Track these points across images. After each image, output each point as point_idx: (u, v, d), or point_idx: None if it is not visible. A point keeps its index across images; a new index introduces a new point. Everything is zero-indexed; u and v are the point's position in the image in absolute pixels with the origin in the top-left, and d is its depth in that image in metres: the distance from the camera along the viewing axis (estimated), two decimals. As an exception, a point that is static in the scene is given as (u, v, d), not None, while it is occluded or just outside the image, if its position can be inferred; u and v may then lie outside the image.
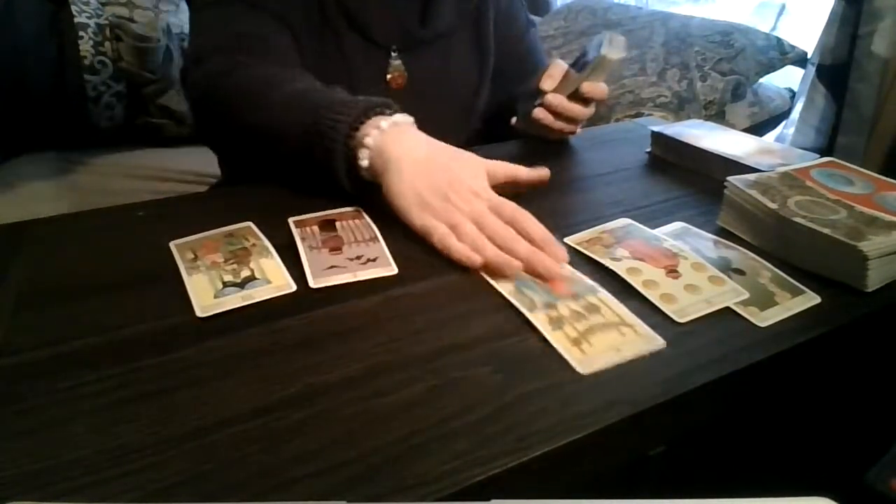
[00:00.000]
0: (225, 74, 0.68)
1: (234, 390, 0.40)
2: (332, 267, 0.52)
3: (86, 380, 0.40)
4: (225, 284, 0.50)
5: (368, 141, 0.57)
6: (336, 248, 0.55)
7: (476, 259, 0.51)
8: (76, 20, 1.29)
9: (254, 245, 0.55)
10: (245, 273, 0.51)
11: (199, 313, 0.47)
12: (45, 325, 0.46)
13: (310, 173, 0.62)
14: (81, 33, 1.30)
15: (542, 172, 0.62)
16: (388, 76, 0.83)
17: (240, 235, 0.57)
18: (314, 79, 0.68)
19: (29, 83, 1.28)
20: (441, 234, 0.53)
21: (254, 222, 0.59)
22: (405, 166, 0.56)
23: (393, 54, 0.83)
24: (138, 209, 0.64)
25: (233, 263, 0.52)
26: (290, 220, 0.59)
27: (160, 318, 0.47)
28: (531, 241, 0.52)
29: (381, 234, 0.57)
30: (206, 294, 0.49)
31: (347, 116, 0.58)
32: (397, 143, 0.57)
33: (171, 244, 0.55)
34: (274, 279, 0.51)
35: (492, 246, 0.51)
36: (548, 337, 0.44)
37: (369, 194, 0.60)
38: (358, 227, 0.58)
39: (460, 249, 0.52)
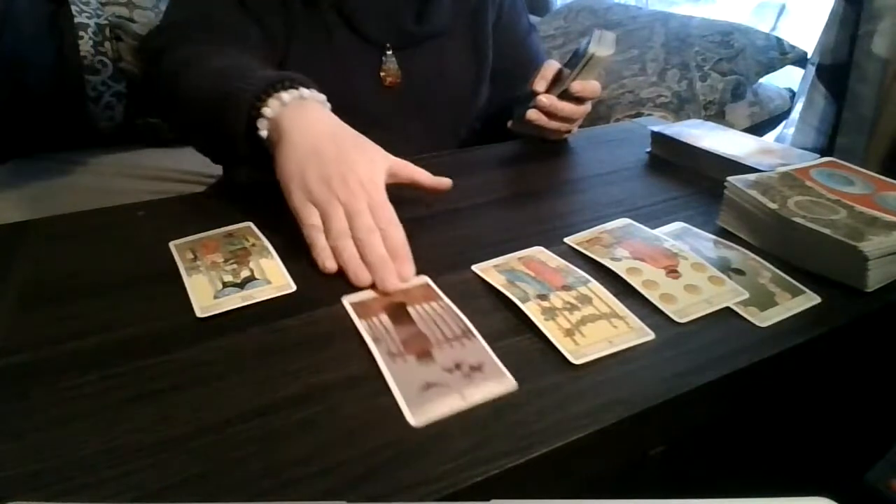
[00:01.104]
0: (168, 49, 0.69)
1: (234, 390, 0.40)
2: (429, 386, 0.40)
3: (86, 380, 0.40)
4: (225, 285, 0.49)
5: (267, 111, 0.56)
6: (425, 354, 0.42)
7: (330, 267, 0.51)
8: (76, 20, 1.29)
9: (253, 245, 0.55)
10: (245, 273, 0.51)
11: (199, 314, 0.47)
12: (45, 325, 0.46)
13: (224, 144, 0.61)
14: (81, 33, 1.30)
15: (443, 182, 0.61)
16: (382, 74, 0.83)
17: (240, 235, 0.57)
18: (251, 58, 0.67)
19: (29, 83, 1.27)
20: (311, 224, 0.52)
21: (254, 223, 0.59)
22: (298, 143, 0.54)
23: (388, 52, 0.83)
24: (138, 209, 0.64)
25: (233, 264, 0.52)
26: (346, 301, 0.48)
27: (160, 318, 0.47)
28: (388, 249, 0.50)
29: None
30: (205, 294, 0.49)
31: (253, 87, 0.57)
32: (296, 119, 0.56)
33: (171, 244, 0.55)
34: (274, 279, 0.50)
35: (351, 250, 0.50)
36: (541, 327, 0.45)
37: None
38: (439, 314, 0.47)
39: (319, 252, 0.51)
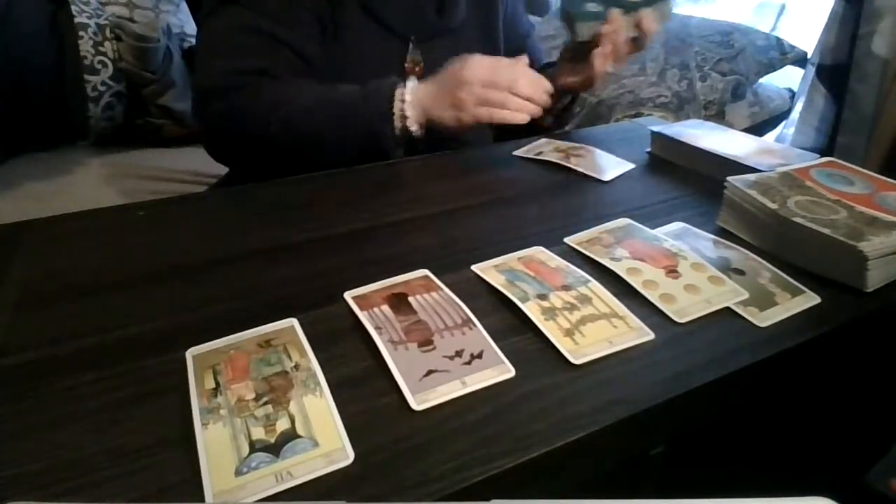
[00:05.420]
0: (240, 111, 0.74)
1: (234, 390, 0.40)
2: (430, 373, 0.40)
3: (86, 380, 0.40)
4: (253, 447, 0.35)
5: (408, 113, 0.73)
6: (426, 342, 0.43)
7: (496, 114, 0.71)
8: (76, 20, 1.29)
9: (297, 367, 0.41)
10: (282, 423, 0.36)
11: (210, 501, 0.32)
12: (45, 325, 0.46)
13: (364, 158, 0.75)
14: (81, 33, 1.30)
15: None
16: (407, 65, 0.85)
17: (278, 345, 0.43)
18: (315, 82, 0.77)
19: (29, 83, 1.27)
20: (461, 116, 0.72)
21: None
22: (430, 103, 0.74)
23: (411, 45, 0.86)
24: (138, 209, 0.64)
25: (266, 403, 0.38)
26: (348, 297, 0.48)
27: (159, 318, 0.47)
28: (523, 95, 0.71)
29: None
30: (224, 465, 0.34)
31: (384, 105, 0.73)
32: (422, 99, 0.74)
33: (189, 355, 0.42)
34: (323, 438, 0.36)
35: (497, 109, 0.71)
36: (541, 327, 0.45)
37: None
38: (439, 303, 0.47)
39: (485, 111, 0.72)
